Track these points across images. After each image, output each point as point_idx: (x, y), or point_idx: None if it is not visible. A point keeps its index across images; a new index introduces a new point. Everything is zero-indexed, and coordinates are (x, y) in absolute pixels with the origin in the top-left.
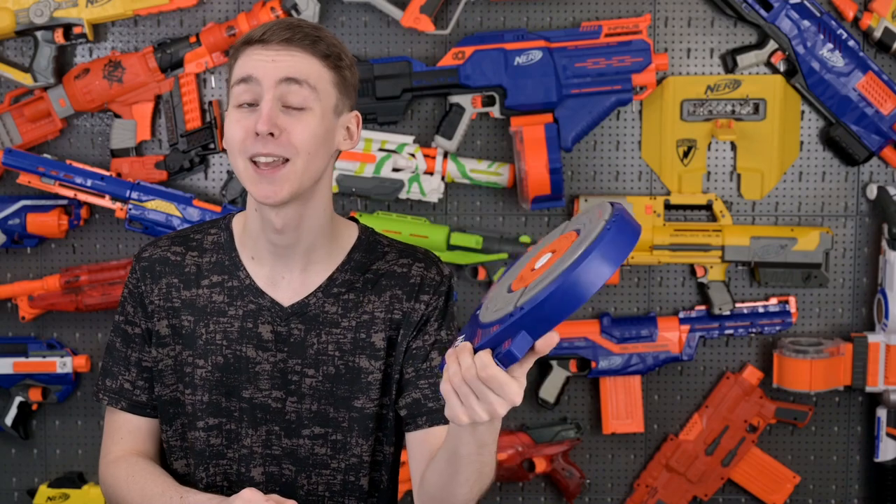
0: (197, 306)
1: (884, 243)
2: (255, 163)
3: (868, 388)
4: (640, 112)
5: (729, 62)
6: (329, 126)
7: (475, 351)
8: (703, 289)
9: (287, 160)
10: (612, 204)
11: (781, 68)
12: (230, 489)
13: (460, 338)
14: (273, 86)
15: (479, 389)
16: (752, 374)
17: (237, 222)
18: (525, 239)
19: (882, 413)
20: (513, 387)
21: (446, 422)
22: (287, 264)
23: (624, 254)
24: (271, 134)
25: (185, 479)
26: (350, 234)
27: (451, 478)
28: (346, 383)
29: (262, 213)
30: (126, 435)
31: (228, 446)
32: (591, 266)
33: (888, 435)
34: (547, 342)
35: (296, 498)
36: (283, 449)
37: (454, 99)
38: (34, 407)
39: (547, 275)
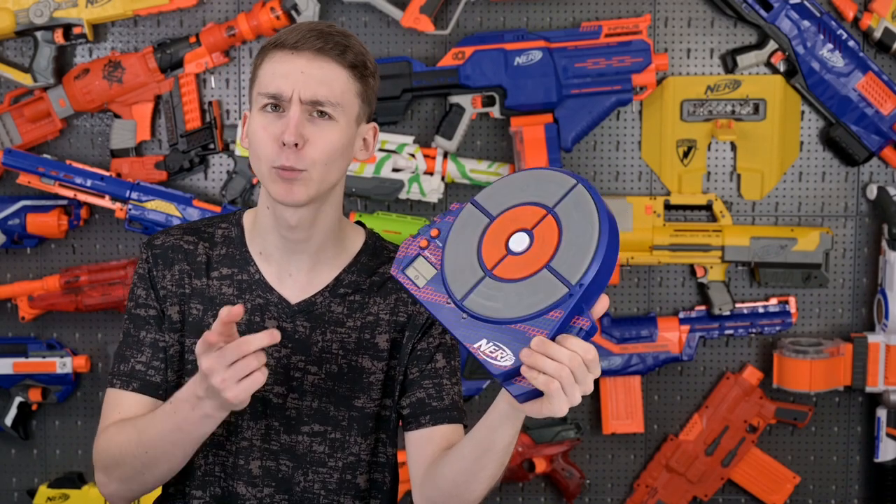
0: (206, 296)
1: (884, 243)
2: (275, 167)
3: (868, 389)
4: (640, 112)
5: (729, 62)
6: (350, 136)
7: (553, 339)
8: (703, 289)
9: (303, 170)
10: (564, 172)
11: (781, 68)
12: (226, 480)
13: (482, 342)
14: (300, 100)
15: (582, 374)
16: (752, 375)
17: (247, 218)
18: None
19: (882, 413)
20: (598, 360)
21: (450, 421)
22: (295, 262)
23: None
24: (296, 144)
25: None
26: (357, 238)
27: (475, 474)
28: (348, 382)
29: (276, 211)
30: (127, 412)
31: (228, 438)
32: (614, 230)
33: (888, 435)
34: (602, 306)
35: (291, 494)
36: (281, 444)
37: (454, 99)
38: (34, 407)
39: (581, 247)
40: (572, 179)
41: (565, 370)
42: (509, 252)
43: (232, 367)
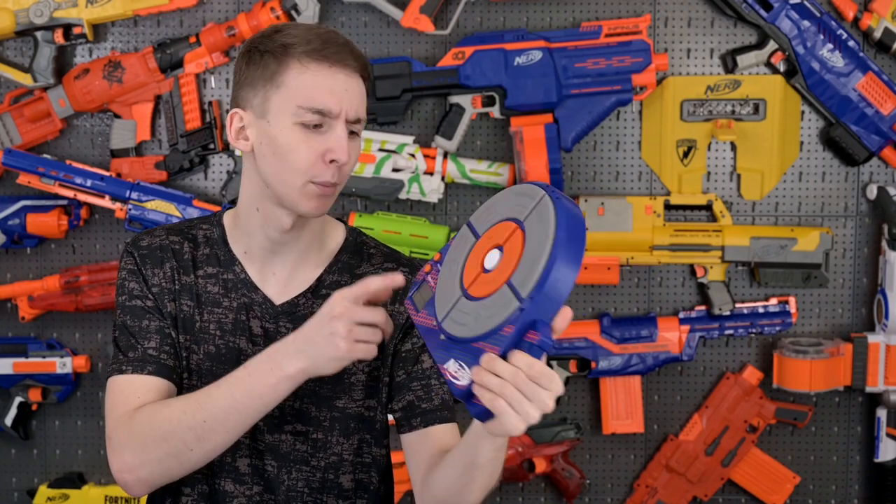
0: (194, 293)
1: (884, 243)
2: (315, 182)
3: (868, 389)
4: (640, 112)
5: (729, 62)
6: None
7: (504, 356)
8: (703, 289)
9: (338, 185)
10: (537, 185)
11: (781, 68)
12: (212, 478)
13: (450, 363)
14: (345, 120)
15: (531, 391)
16: (752, 375)
17: (227, 219)
18: None
19: (882, 413)
20: (557, 377)
21: (440, 421)
22: (280, 261)
23: (580, 215)
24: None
25: None
26: (337, 235)
27: (466, 485)
28: (330, 383)
29: (272, 213)
30: (148, 395)
31: None
32: (574, 240)
33: (888, 435)
34: (564, 319)
35: (276, 493)
36: (266, 444)
37: (454, 99)
38: (34, 407)
39: (533, 259)
40: (540, 191)
41: (508, 387)
42: (484, 270)
43: (360, 325)
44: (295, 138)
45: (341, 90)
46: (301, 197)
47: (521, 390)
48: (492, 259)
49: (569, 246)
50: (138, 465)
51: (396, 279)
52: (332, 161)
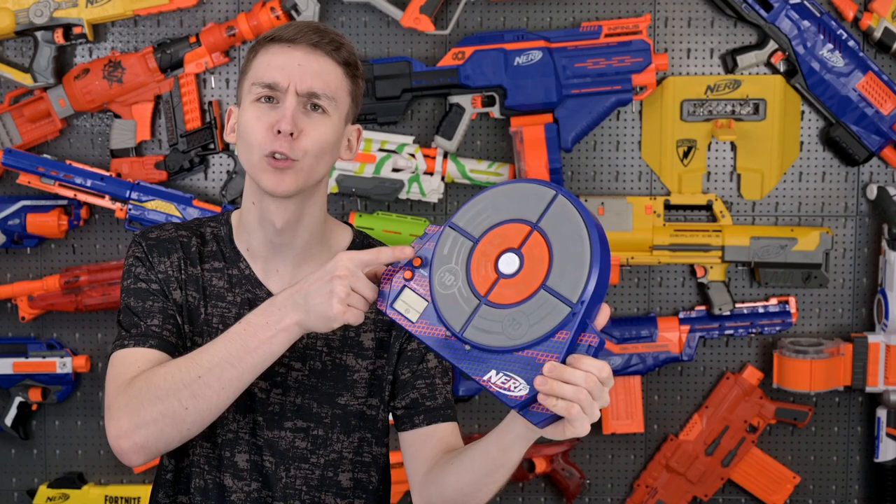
0: (199, 285)
1: (884, 243)
2: (267, 155)
3: (868, 389)
4: (640, 112)
5: (729, 62)
6: (339, 133)
7: (563, 362)
8: (703, 289)
9: (295, 160)
10: (538, 183)
11: (781, 68)
12: (210, 473)
13: (492, 374)
14: (296, 91)
15: (599, 392)
16: (752, 375)
17: (235, 217)
18: None
19: (882, 413)
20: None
21: (444, 420)
22: (281, 259)
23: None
24: (290, 133)
25: (172, 454)
26: (344, 237)
27: (488, 485)
28: (332, 379)
29: (262, 213)
30: (147, 365)
31: (213, 430)
32: (603, 238)
33: (888, 435)
34: (605, 316)
35: (274, 490)
36: (265, 440)
37: (454, 99)
38: (34, 407)
39: (575, 263)
40: (551, 191)
41: (583, 392)
42: (501, 275)
43: (353, 292)
44: (251, 115)
45: (293, 65)
46: (260, 172)
47: (593, 393)
48: (509, 263)
49: (603, 245)
50: (134, 428)
51: (406, 251)
52: (279, 132)
